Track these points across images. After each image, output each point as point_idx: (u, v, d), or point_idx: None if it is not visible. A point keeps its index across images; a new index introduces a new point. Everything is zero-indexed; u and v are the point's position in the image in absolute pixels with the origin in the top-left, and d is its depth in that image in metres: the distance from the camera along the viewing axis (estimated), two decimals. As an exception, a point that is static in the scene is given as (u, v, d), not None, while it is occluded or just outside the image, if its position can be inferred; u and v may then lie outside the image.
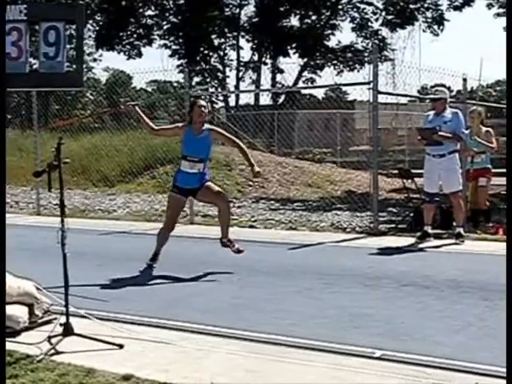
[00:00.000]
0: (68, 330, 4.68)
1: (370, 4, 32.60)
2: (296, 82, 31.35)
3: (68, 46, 6.36)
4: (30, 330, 5.00)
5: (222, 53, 34.29)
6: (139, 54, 34.42)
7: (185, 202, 7.95)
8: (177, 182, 7.54)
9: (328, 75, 33.83)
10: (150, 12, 34.09)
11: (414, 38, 33.03)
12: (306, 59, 32.79)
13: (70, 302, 4.78)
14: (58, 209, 4.87)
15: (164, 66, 32.72)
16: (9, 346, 4.43)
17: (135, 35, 34.23)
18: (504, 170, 14.17)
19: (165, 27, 34.10)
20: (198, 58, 33.13)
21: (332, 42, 33.75)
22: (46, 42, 6.01)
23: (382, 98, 10.64)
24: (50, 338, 4.63)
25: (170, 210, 7.68)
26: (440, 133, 8.85)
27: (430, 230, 9.09)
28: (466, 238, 8.96)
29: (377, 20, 32.65)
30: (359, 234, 9.96)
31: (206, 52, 33.88)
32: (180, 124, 7.78)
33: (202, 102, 7.62)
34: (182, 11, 32.64)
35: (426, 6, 31.64)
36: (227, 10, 33.80)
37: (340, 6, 32.98)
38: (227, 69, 34.44)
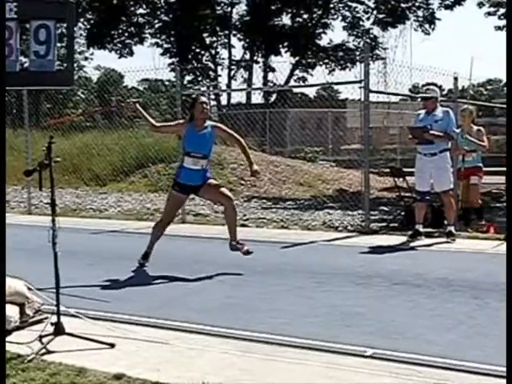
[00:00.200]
0: (59, 330, 4.67)
1: (362, 3, 32.63)
2: (288, 81, 31.35)
3: (59, 45, 6.34)
4: (20, 329, 4.99)
5: (213, 51, 34.26)
6: (131, 53, 34.35)
7: (185, 200, 7.92)
8: (179, 179, 7.47)
9: (320, 74, 33.86)
10: (141, 10, 34.03)
11: (405, 36, 33.13)
12: (297, 58, 32.80)
13: (61, 302, 4.77)
14: (50, 208, 4.85)
15: (155, 65, 32.81)
16: None
17: (126, 34, 34.13)
18: (495, 169, 14.27)
19: (156, 26, 34.04)
20: (189, 57, 33.07)
21: (324, 41, 33.81)
22: (37, 40, 5.98)
23: (373, 97, 10.64)
24: (41, 337, 4.62)
25: (170, 207, 7.66)
26: (431, 131, 8.87)
27: (421, 229, 9.12)
28: (457, 237, 8.98)
29: (368, 19, 32.71)
30: (351, 233, 9.98)
31: (197, 50, 33.82)
32: (181, 121, 7.75)
33: (204, 99, 7.59)
34: (174, 9, 32.58)
35: (417, 4, 31.69)
36: (219, 8, 33.76)
37: (331, 5, 32.97)
38: (219, 67, 34.44)
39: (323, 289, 6.41)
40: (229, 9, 33.85)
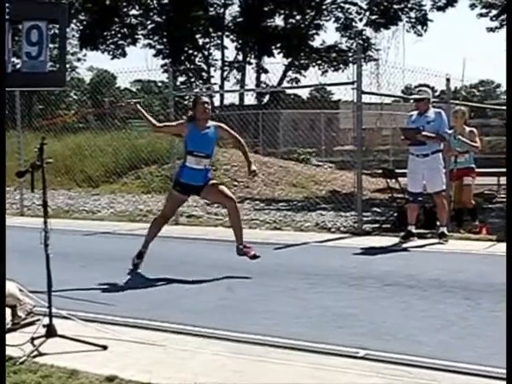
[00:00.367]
0: (51, 332, 4.65)
1: (355, 4, 32.72)
2: (280, 82, 31.37)
3: (51, 46, 6.33)
4: (12, 331, 4.97)
5: (206, 52, 34.30)
6: (123, 54, 34.33)
7: (185, 200, 7.89)
8: (181, 178, 7.40)
9: (312, 75, 34.00)
10: (134, 11, 34.06)
11: (397, 38, 33.18)
12: (290, 59, 32.85)
13: (53, 304, 4.76)
14: (42, 209, 4.84)
15: (148, 66, 32.85)
16: (-9, 347, 4.40)
17: (119, 35, 34.12)
18: (487, 170, 14.31)
19: (149, 27, 34.05)
20: (182, 58, 33.08)
21: (316, 42, 33.90)
22: (29, 41, 5.96)
23: (366, 98, 10.63)
24: (32, 339, 4.61)
25: (169, 206, 7.66)
26: (423, 133, 8.89)
27: (413, 230, 9.14)
28: (449, 238, 9.01)
29: (361, 20, 32.81)
30: (343, 234, 10.00)
31: (190, 52, 33.83)
32: (182, 121, 7.71)
33: (205, 99, 7.54)
34: (167, 11, 32.59)
35: (409, 6, 31.80)
36: (211, 9, 33.80)
37: (324, 6, 33.05)
38: (212, 68, 34.48)
39: (316, 290, 6.41)
40: (222, 10, 33.93)
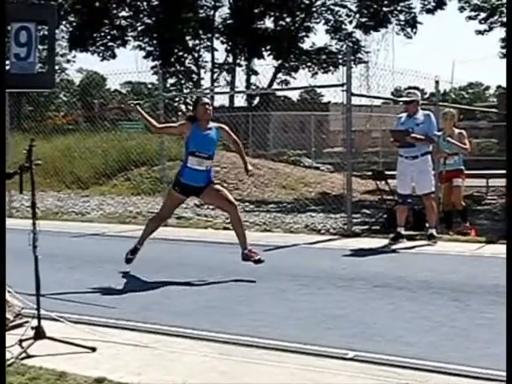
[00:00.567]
0: (39, 334, 4.63)
1: (344, 7, 32.77)
2: (270, 84, 31.35)
3: (40, 47, 6.30)
4: (0, 333, 4.95)
5: (196, 54, 34.24)
6: (113, 56, 34.24)
7: (185, 200, 7.86)
8: (182, 178, 7.32)
9: (302, 77, 34.07)
10: (123, 13, 33.96)
11: (387, 40, 33.13)
12: (280, 61, 32.85)
13: (41, 305, 4.74)
14: (31, 211, 4.82)
15: (138, 68, 32.68)
16: (-21, 350, 4.37)
17: (109, 36, 34.03)
18: (476, 172, 14.36)
19: (139, 28, 33.97)
20: (172, 60, 33.03)
21: (306, 44, 33.91)
22: (18, 42, 5.93)
23: (355, 100, 10.70)
24: (21, 341, 4.58)
25: (168, 205, 7.62)
26: (412, 135, 8.91)
27: (403, 232, 9.16)
28: (438, 239, 9.04)
29: (351, 22, 32.83)
30: (333, 236, 10.01)
31: (180, 53, 33.79)
32: (184, 121, 7.68)
33: (206, 100, 7.49)
34: (157, 12, 32.54)
35: (399, 8, 31.86)
36: (201, 11, 33.77)
37: (314, 9, 33.09)
38: (202, 70, 34.43)
39: (306, 291, 6.42)
40: (211, 12, 33.89)
